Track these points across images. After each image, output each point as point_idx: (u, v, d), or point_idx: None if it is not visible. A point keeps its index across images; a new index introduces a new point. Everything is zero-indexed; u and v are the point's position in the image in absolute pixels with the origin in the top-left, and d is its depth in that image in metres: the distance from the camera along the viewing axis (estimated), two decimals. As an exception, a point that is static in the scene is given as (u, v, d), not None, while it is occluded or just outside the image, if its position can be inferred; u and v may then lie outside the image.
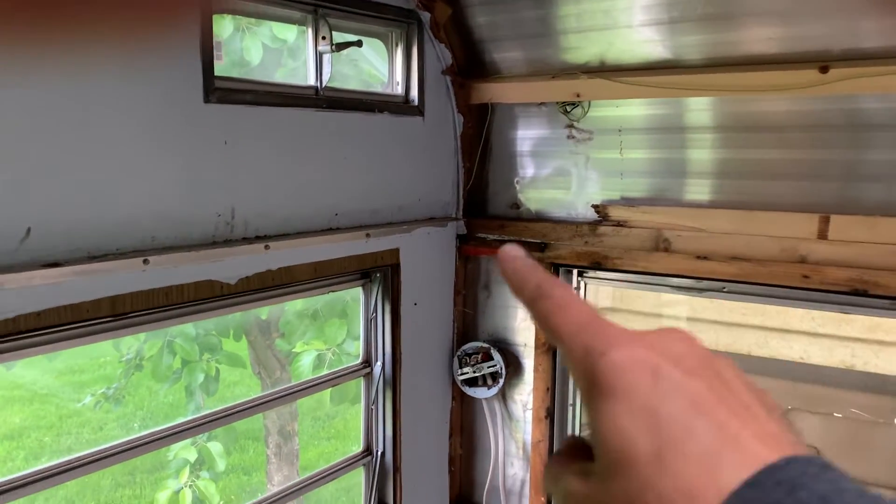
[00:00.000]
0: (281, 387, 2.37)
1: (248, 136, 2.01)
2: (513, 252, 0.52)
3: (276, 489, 2.41)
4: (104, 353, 7.62)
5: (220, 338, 4.60)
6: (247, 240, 2.02)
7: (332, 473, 2.56)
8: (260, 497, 2.23)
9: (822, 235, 2.13)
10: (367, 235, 2.42)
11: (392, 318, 2.61)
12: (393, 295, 2.59)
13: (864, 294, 2.09)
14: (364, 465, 2.67)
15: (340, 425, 8.67)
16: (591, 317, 0.48)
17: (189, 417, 2.06)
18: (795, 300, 2.26)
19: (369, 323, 2.61)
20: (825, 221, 2.13)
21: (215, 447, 4.17)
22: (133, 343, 5.28)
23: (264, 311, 5.57)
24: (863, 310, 2.17)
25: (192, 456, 4.14)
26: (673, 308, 2.65)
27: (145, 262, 1.75)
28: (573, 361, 0.47)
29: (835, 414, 2.37)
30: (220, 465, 4.17)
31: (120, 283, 1.71)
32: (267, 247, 2.05)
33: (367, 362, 2.64)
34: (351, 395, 3.62)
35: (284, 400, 2.43)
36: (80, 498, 6.93)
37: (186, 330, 4.22)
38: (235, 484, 6.84)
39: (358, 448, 2.69)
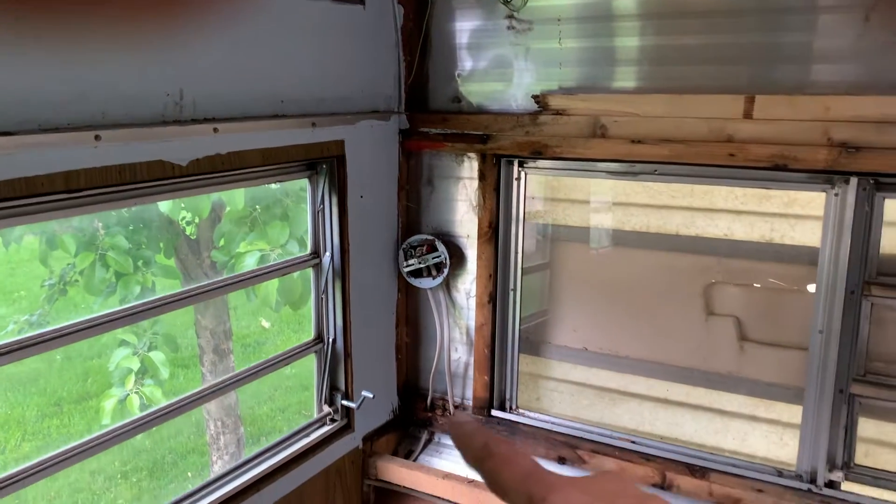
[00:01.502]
0: (226, 276, 2.39)
1: (194, 17, 1.98)
2: (461, 419, 0.58)
3: (235, 372, 2.47)
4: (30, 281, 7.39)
5: (153, 253, 4.54)
6: (195, 121, 2.01)
7: (286, 359, 2.63)
8: (222, 377, 2.29)
9: (748, 115, 2.28)
10: (313, 124, 2.43)
11: (339, 209, 2.65)
12: (339, 187, 2.63)
13: (784, 169, 2.26)
14: (316, 351, 2.76)
15: (272, 350, 8.73)
16: (533, 467, 0.52)
17: (117, 308, 2.04)
18: (722, 178, 2.43)
19: (317, 215, 2.65)
20: (750, 101, 2.27)
21: (158, 356, 4.18)
22: (57, 266, 5.15)
23: (192, 230, 5.50)
24: (782, 184, 2.36)
25: (134, 365, 4.14)
26: (606, 195, 2.79)
27: (97, 137, 1.74)
28: None
29: (754, 285, 2.59)
30: (164, 372, 4.18)
31: (73, 159, 1.70)
32: (216, 129, 2.05)
33: (316, 253, 2.70)
34: (297, 294, 3.67)
35: (233, 288, 2.47)
36: (3, 430, 6.82)
37: (119, 243, 4.15)
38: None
39: (308, 337, 2.76)
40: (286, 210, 3.92)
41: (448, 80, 2.83)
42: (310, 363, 2.77)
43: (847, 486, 2.37)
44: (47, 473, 1.84)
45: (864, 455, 2.41)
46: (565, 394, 2.97)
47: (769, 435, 2.57)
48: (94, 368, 7.99)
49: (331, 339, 2.75)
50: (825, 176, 2.27)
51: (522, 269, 2.84)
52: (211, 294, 2.33)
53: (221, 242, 4.36)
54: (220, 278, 2.36)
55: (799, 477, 2.42)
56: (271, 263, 2.61)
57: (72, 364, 8.22)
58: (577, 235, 2.90)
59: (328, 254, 2.68)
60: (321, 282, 2.71)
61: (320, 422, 2.78)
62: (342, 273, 2.71)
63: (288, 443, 2.62)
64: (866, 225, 2.25)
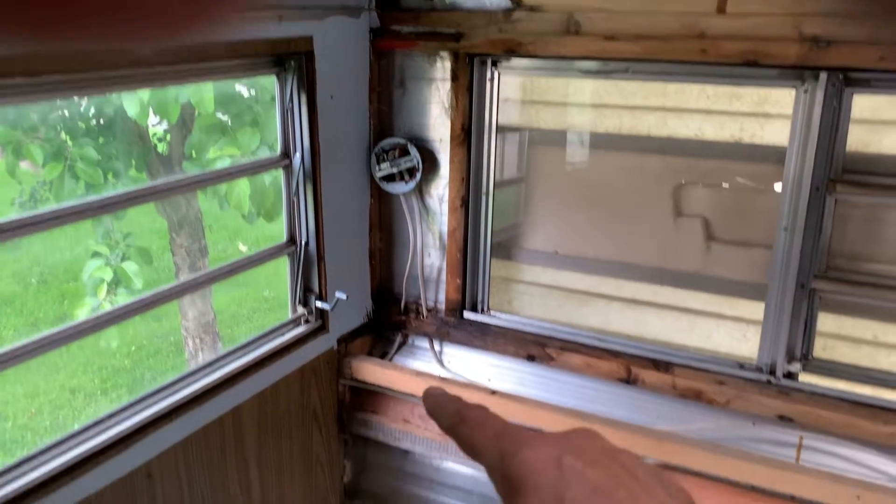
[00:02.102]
0: (195, 172, 2.37)
1: None
2: (433, 391, 0.57)
3: (210, 269, 2.47)
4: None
5: (125, 166, 4.47)
6: (158, 7, 1.95)
7: (259, 260, 2.65)
8: (196, 274, 2.29)
9: (721, 10, 2.25)
10: (280, 17, 2.37)
11: (308, 109, 2.61)
12: (308, 86, 2.58)
13: (755, 65, 2.26)
14: (289, 254, 2.77)
15: (249, 274, 8.74)
16: (504, 426, 0.52)
17: (84, 200, 2.02)
18: (694, 76, 2.42)
19: (286, 114, 2.62)
20: (724, -5, 2.24)
21: (131, 267, 4.16)
22: (27, 184, 5.07)
23: (164, 147, 5.41)
24: (753, 81, 2.36)
25: (107, 275, 4.13)
26: (580, 95, 2.77)
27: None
28: (492, 469, 0.51)
29: (723, 185, 2.62)
30: (137, 283, 4.18)
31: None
32: (179, 17, 1.99)
33: (286, 154, 2.67)
34: (269, 202, 3.65)
35: (202, 185, 2.45)
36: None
37: (88, 154, 4.07)
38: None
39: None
40: (256, 117, 3.86)
41: (420, -24, 2.75)
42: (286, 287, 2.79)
43: (804, 377, 2.46)
44: (18, 361, 1.86)
45: (822, 348, 2.50)
46: (536, 296, 3.02)
47: (732, 332, 2.65)
48: (71, 291, 7.98)
49: (303, 242, 2.75)
50: (795, 72, 2.28)
51: (495, 172, 2.84)
52: (179, 190, 2.31)
53: (193, 154, 4.30)
54: (189, 174, 2.33)
55: (759, 369, 2.51)
56: (241, 163, 2.58)
57: (48, 288, 8.20)
58: (550, 138, 2.89)
59: (298, 155, 2.66)
60: (292, 183, 2.69)
61: (294, 322, 2.82)
62: (313, 176, 2.69)
63: (263, 341, 2.66)
64: (834, 122, 2.27)
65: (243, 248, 9.22)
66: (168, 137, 5.31)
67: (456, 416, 0.55)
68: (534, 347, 2.86)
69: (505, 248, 3.03)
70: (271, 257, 2.70)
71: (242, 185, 3.50)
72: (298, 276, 2.78)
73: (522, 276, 3.05)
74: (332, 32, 2.62)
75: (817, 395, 2.42)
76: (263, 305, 8.43)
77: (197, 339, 6.10)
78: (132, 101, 3.65)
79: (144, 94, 3.58)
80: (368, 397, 3.06)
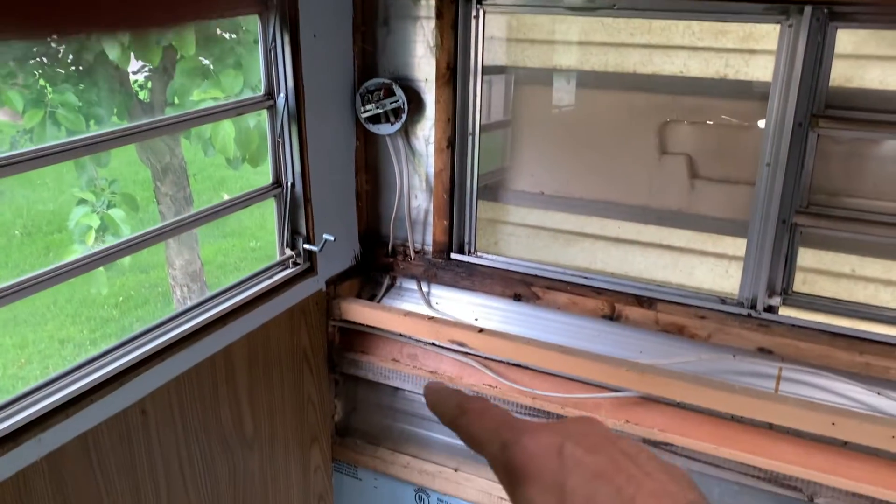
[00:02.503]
0: (177, 112, 2.35)
1: None
2: (434, 385, 0.58)
3: (195, 210, 2.48)
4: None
5: (107, 113, 4.42)
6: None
7: (245, 201, 2.65)
8: (181, 215, 2.30)
9: (707, -58, 2.24)
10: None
11: (292, 49, 2.59)
12: (291, 25, 2.55)
13: (740, -1, 2.25)
14: (275, 196, 2.77)
15: (235, 224, 8.74)
16: (506, 416, 0.53)
17: (64, 140, 2.01)
18: (680, 11, 2.41)
19: (269, 53, 2.59)
20: (710, -73, 2.22)
21: (117, 213, 4.15)
22: (6, 135, 5.00)
23: (145, 94, 5.33)
24: (739, 16, 2.35)
25: (94, 222, 4.11)
26: (565, 33, 2.76)
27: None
28: (493, 459, 0.51)
29: (707, 122, 2.63)
30: (125, 230, 4.17)
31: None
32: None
33: (270, 94, 2.65)
34: (254, 145, 3.62)
35: (186, 125, 2.44)
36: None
37: (69, 100, 4.02)
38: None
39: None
40: (239, 59, 3.81)
41: (403, -89, 2.70)
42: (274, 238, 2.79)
43: (784, 310, 2.52)
44: (9, 300, 1.88)
45: (802, 282, 2.55)
46: (522, 237, 3.04)
47: (715, 268, 2.70)
48: (56, 243, 7.94)
49: (289, 184, 2.75)
50: (780, 7, 2.27)
51: (481, 112, 2.84)
52: (163, 130, 2.29)
53: (175, 100, 4.25)
54: (171, 114, 2.32)
55: (740, 304, 2.56)
56: (224, 103, 2.56)
57: (32, 240, 8.15)
58: (536, 78, 2.88)
59: (282, 95, 2.64)
60: (276, 124, 2.68)
61: (283, 265, 2.84)
62: (298, 117, 2.68)
63: (251, 283, 2.68)
64: (817, 57, 2.28)
65: (228, 197, 9.16)
66: (149, 85, 5.23)
67: (457, 408, 0.56)
68: (520, 287, 2.89)
69: (491, 190, 3.04)
70: (258, 199, 2.71)
71: (227, 128, 3.47)
72: (285, 218, 2.79)
73: (509, 218, 3.07)
74: (315, -31, 2.58)
75: (796, 328, 2.48)
76: (251, 255, 8.44)
77: (185, 287, 6.12)
78: (112, 45, 3.59)
79: (124, 37, 3.52)
80: (358, 338, 3.11)
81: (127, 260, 4.58)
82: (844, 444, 2.34)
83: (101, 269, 4.37)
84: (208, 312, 2.46)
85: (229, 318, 2.53)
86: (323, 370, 3.08)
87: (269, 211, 2.81)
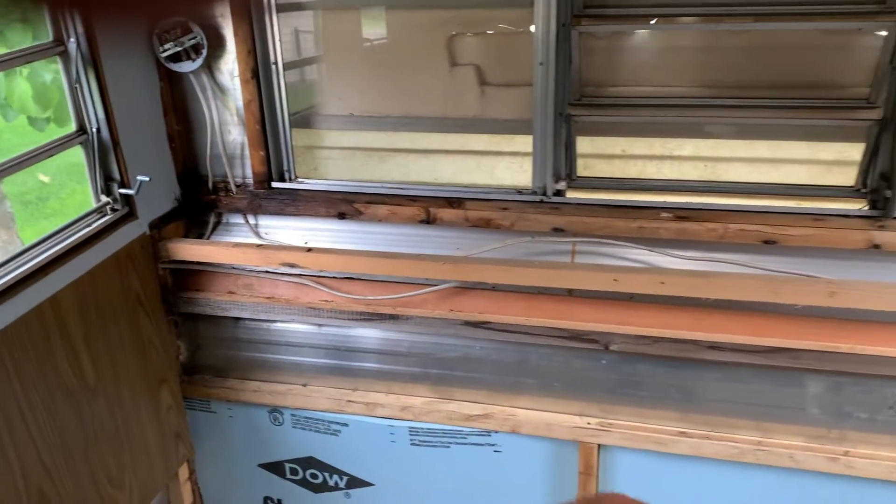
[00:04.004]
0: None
1: None
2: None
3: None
4: None
5: None
6: None
7: (49, 150, 2.62)
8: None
9: None
10: None
11: (76, -9, 2.56)
12: (71, -35, 2.52)
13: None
14: (81, 143, 2.75)
15: (57, 205, 8.27)
16: None
17: None
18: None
19: None
20: None
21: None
22: None
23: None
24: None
25: None
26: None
27: None
28: None
29: (487, 32, 2.89)
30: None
31: None
32: None
33: (60, 40, 2.61)
34: (55, 100, 3.49)
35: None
36: None
37: None
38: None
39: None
40: (25, 12, 3.59)
41: None
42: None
43: (570, 193, 2.87)
44: None
45: (584, 167, 2.91)
46: (339, 159, 3.21)
47: (511, 165, 3.00)
48: None
49: (95, 130, 2.74)
50: (534, -82, 2.53)
51: (281, 39, 2.93)
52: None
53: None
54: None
55: (534, 192, 2.88)
56: (9, 52, 2.50)
57: None
58: (328, 4, 3.01)
59: (73, 41, 2.61)
60: (72, 71, 2.65)
61: (100, 211, 2.84)
62: (94, 61, 2.66)
63: (69, 231, 2.67)
64: (571, -37, 2.57)
65: (45, 178, 8.63)
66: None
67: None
68: (343, 205, 3.07)
69: (304, 118, 3.17)
70: (62, 147, 2.68)
71: (22, 86, 3.32)
72: (95, 165, 2.79)
73: (324, 142, 3.22)
74: None
75: (582, 206, 2.84)
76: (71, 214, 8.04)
77: None
78: None
79: None
80: (191, 277, 3.18)
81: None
82: (631, 298, 2.75)
83: None
84: (27, 264, 2.45)
85: (50, 268, 2.52)
86: (160, 313, 3.13)
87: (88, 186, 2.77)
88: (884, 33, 2.48)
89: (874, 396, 2.66)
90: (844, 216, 2.64)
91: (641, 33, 2.77)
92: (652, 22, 2.69)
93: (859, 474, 2.70)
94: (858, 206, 2.66)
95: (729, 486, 2.85)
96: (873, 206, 2.63)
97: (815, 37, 2.63)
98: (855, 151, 2.67)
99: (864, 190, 2.67)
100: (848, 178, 2.70)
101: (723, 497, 2.89)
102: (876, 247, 2.60)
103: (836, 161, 2.73)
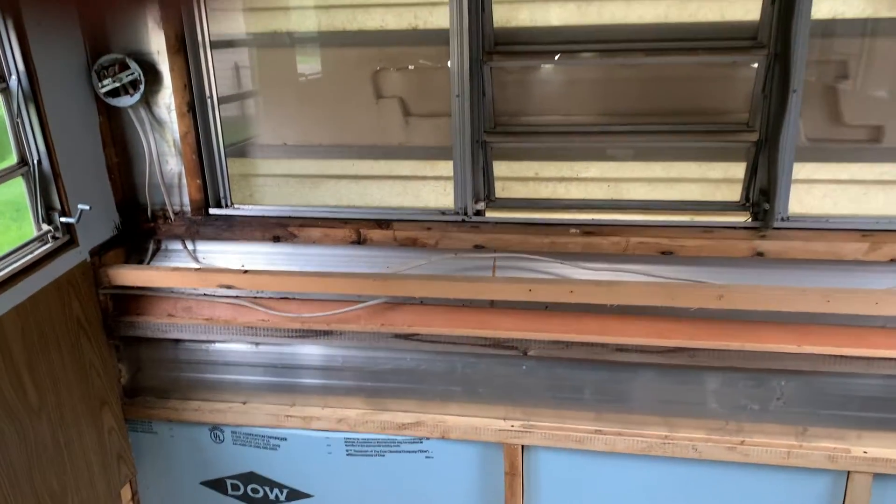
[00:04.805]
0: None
1: None
2: None
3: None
4: None
5: None
6: None
7: (-10, 182, 2.74)
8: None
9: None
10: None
11: (17, 31, 2.71)
12: (12, 11, 2.67)
13: (413, -39, 2.75)
14: (23, 174, 2.88)
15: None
16: None
17: None
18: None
19: (-7, 38, 2.69)
20: None
21: None
22: None
23: None
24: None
25: None
26: (280, 1, 3.11)
27: None
28: None
29: (409, 67, 3.14)
30: None
31: None
32: None
33: (1, 77, 2.75)
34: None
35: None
36: None
37: None
38: None
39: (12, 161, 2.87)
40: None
41: None
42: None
43: (490, 213, 3.12)
44: None
45: (501, 189, 3.17)
46: (273, 186, 3.40)
47: (435, 188, 3.24)
48: None
49: (36, 161, 2.87)
50: (447, -35, 2.80)
51: (215, 73, 3.13)
52: None
53: None
54: None
55: (456, 213, 3.13)
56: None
57: None
58: (261, 41, 3.22)
59: (14, 77, 2.75)
60: (13, 106, 2.79)
61: (41, 240, 2.96)
62: (34, 96, 2.80)
63: (9, 259, 2.78)
64: (480, 4, 2.85)
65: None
66: None
67: None
68: (277, 229, 3.26)
69: (240, 148, 3.35)
70: (4, 178, 2.80)
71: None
72: (37, 195, 2.91)
73: (259, 171, 3.40)
74: (27, -47, 2.70)
75: (500, 225, 3.09)
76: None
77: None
78: None
79: None
80: (132, 301, 3.30)
81: None
82: (546, 307, 3.00)
83: None
84: (-31, 291, 2.56)
85: (-8, 294, 2.63)
86: (101, 337, 3.24)
87: (27, 224, 2.89)
88: (755, 66, 2.82)
89: (764, 389, 2.96)
90: (731, 228, 2.95)
91: (548, 67, 3.06)
92: (556, 58, 2.98)
93: (754, 461, 2.99)
94: (743, 218, 2.98)
95: (641, 478, 3.11)
96: (755, 217, 2.95)
97: (699, 69, 2.96)
98: (738, 170, 3.00)
99: (747, 204, 2.99)
100: (733, 193, 3.02)
101: (636, 489, 3.14)
102: (759, 255, 2.91)
103: (723, 179, 3.05)
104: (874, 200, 2.94)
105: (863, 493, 2.94)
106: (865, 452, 2.92)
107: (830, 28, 2.78)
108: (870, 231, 2.86)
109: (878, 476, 2.93)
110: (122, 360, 3.40)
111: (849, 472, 2.94)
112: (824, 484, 2.98)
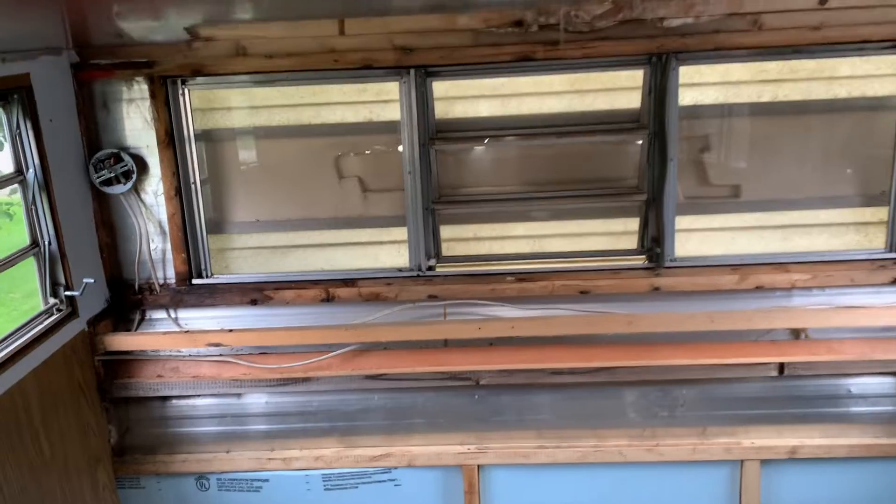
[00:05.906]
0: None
1: None
2: None
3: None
4: None
5: None
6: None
7: (8, 263, 3.13)
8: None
9: (342, 32, 3.38)
10: (3, 59, 2.93)
11: (34, 132, 3.18)
12: (31, 113, 3.14)
13: (370, 67, 3.43)
14: (34, 255, 3.28)
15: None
16: None
17: None
18: (331, 79, 3.53)
19: (15, 138, 3.14)
20: (342, 23, 3.37)
21: None
22: None
23: None
24: (371, 79, 3.54)
25: None
26: (254, 100, 3.71)
27: None
28: None
29: (366, 152, 3.78)
30: None
31: None
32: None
33: (20, 171, 3.20)
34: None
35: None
36: None
37: None
38: None
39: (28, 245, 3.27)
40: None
41: (108, 20, 3.43)
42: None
43: (439, 268, 3.75)
44: None
45: (447, 248, 3.81)
46: (248, 258, 3.90)
47: (391, 251, 3.84)
48: None
49: (47, 243, 3.29)
50: (396, 71, 3.49)
51: (198, 163, 3.66)
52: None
53: None
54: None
55: (411, 270, 3.73)
56: (-17, 182, 3.04)
57: None
58: (241, 134, 3.78)
59: (31, 171, 3.20)
60: (28, 195, 3.23)
61: (48, 312, 3.34)
62: (47, 187, 3.25)
63: (24, 330, 3.16)
64: (424, 100, 3.54)
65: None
66: None
67: None
68: (254, 293, 3.75)
69: (217, 225, 3.85)
70: (19, 259, 3.20)
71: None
72: (46, 273, 3.32)
73: (234, 245, 3.90)
74: (44, 68, 3.20)
75: (449, 277, 3.71)
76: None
77: None
78: None
79: None
80: (124, 366, 3.68)
81: None
82: (491, 343, 3.61)
83: None
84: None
85: (9, 363, 2.98)
86: (96, 400, 3.60)
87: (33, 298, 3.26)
88: (640, 142, 3.63)
89: (669, 398, 3.65)
90: (633, 269, 3.69)
91: (480, 149, 3.76)
92: (486, 141, 3.70)
93: (667, 459, 3.65)
94: (641, 261, 3.73)
95: (578, 482, 3.70)
96: (650, 260, 3.70)
97: (597, 146, 3.74)
98: (634, 224, 3.76)
99: (643, 250, 3.75)
100: (632, 242, 3.78)
101: (575, 492, 3.72)
102: (656, 289, 3.65)
103: (623, 231, 3.80)
104: (739, 242, 3.76)
105: (754, 476, 3.64)
106: (753, 443, 3.63)
107: (694, 111, 3.63)
108: (738, 265, 3.65)
109: (764, 462, 3.64)
110: (111, 421, 3.73)
111: (742, 461, 3.64)
112: (724, 472, 3.67)
